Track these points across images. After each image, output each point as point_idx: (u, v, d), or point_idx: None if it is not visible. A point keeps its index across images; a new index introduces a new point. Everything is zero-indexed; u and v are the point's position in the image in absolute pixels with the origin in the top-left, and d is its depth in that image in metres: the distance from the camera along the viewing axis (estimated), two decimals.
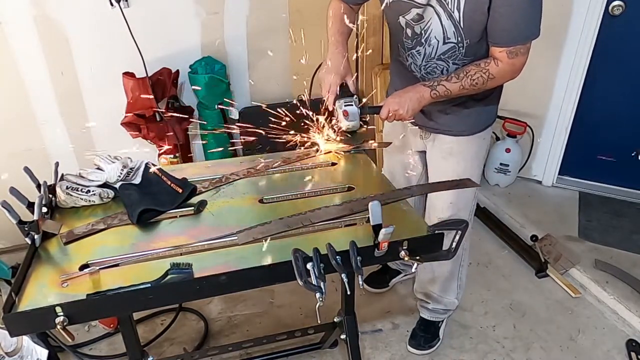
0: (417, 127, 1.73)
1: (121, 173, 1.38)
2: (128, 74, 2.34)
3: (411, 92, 1.48)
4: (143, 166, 1.43)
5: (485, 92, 1.56)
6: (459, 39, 1.44)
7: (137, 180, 1.40)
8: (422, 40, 1.50)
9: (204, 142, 2.69)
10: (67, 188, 1.32)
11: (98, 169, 1.38)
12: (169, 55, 2.47)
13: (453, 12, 1.39)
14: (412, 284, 2.11)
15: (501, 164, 2.98)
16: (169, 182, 1.41)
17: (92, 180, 1.35)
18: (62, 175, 1.36)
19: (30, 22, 2.21)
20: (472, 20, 1.39)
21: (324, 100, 1.53)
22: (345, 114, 1.49)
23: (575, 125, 2.86)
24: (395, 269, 2.32)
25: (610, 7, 2.53)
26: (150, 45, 2.35)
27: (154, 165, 1.46)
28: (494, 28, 1.39)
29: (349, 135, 1.61)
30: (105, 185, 1.38)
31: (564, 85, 2.76)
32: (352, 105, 1.49)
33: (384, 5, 1.50)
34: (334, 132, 1.59)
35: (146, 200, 1.32)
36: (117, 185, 1.39)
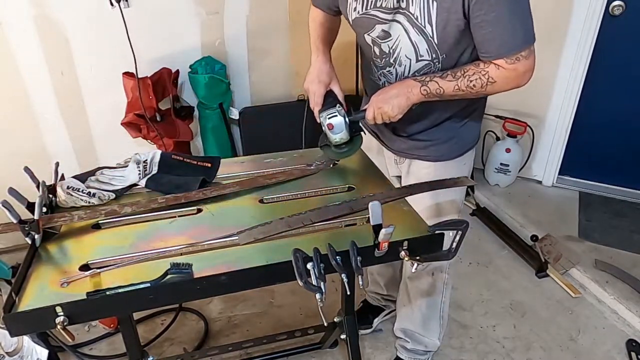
0: (391, 152, 1.61)
1: (139, 170, 1.37)
2: (128, 74, 2.34)
3: (398, 87, 1.32)
4: (158, 156, 1.44)
5: (465, 111, 1.45)
6: (434, 55, 1.30)
7: (155, 169, 1.41)
8: (391, 60, 1.36)
9: (203, 141, 2.69)
10: (68, 188, 1.32)
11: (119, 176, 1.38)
12: (169, 55, 2.48)
13: (425, 27, 1.25)
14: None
15: (501, 164, 2.98)
16: (195, 162, 1.45)
17: (115, 185, 1.35)
18: (62, 175, 1.36)
19: (30, 22, 2.21)
20: (446, 32, 1.24)
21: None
22: (330, 126, 1.37)
23: (575, 125, 2.86)
24: (377, 305, 2.13)
25: (610, 7, 2.54)
26: (151, 45, 2.36)
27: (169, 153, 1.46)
28: (483, 39, 1.23)
29: (344, 148, 1.44)
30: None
31: (564, 85, 2.77)
32: (336, 115, 1.36)
33: (350, 22, 1.39)
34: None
35: (178, 180, 1.37)
36: (143, 182, 1.38)
